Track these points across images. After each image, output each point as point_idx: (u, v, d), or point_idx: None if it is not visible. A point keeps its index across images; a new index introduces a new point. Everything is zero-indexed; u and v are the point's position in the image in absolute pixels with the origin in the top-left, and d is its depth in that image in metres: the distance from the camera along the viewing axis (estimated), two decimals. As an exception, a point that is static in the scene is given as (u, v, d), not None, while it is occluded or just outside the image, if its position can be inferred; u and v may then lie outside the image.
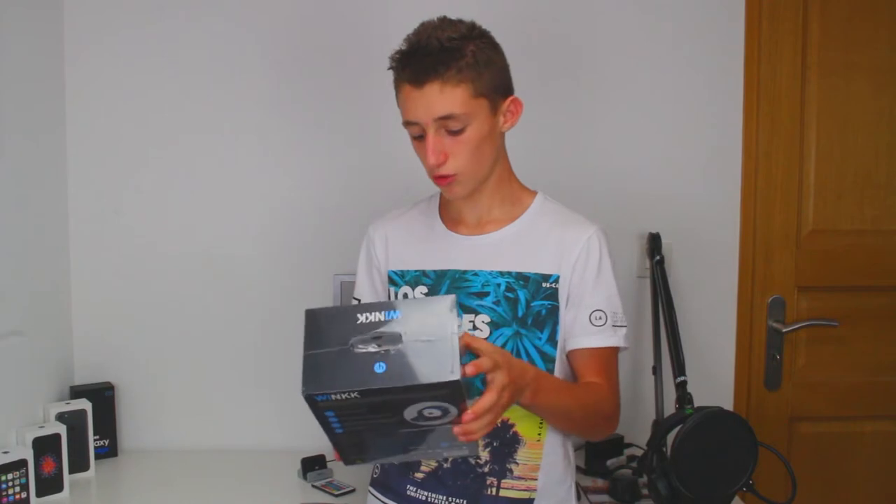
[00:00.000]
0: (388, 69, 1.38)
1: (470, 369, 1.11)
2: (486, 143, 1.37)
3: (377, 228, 1.56)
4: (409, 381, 1.04)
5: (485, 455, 1.41)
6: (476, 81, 1.32)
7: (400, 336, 1.07)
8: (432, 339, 1.07)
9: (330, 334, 1.09)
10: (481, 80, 1.33)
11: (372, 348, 1.07)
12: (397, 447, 1.18)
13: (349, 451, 1.19)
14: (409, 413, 1.09)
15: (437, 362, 1.05)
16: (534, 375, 1.26)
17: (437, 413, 1.09)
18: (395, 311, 1.10)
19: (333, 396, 1.05)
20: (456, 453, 1.22)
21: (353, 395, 1.05)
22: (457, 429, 1.11)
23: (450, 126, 1.33)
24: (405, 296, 1.45)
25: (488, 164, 1.40)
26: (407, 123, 1.36)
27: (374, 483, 1.56)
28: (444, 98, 1.30)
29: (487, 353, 1.15)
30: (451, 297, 1.11)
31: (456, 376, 1.04)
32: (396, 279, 1.49)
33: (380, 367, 1.05)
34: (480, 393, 1.15)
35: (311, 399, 1.06)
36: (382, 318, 1.09)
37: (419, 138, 1.36)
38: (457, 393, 1.06)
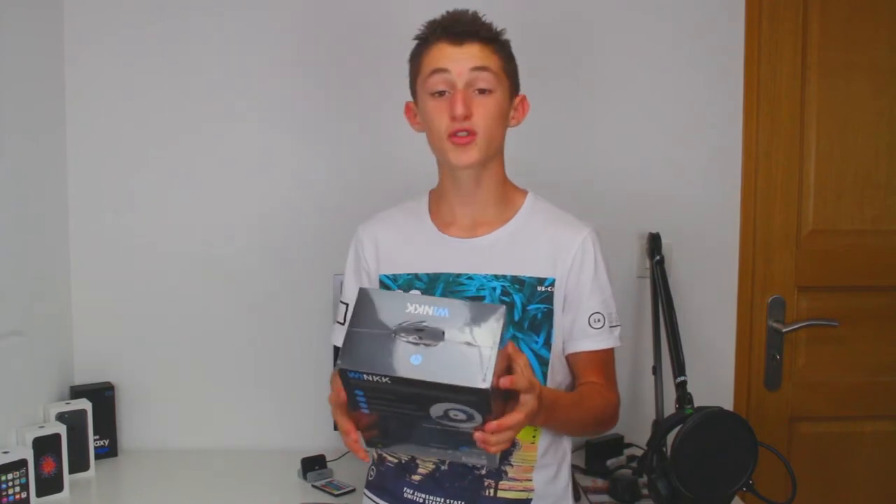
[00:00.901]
0: (414, 39, 1.42)
1: (505, 382, 1.12)
2: (502, 121, 1.41)
3: (366, 230, 1.54)
4: (440, 379, 1.06)
5: None
6: (505, 60, 1.40)
7: (442, 333, 1.09)
8: (473, 344, 1.09)
9: (377, 316, 1.11)
10: (508, 64, 1.41)
11: (413, 339, 1.09)
12: (418, 440, 1.19)
13: (371, 431, 1.21)
14: (436, 411, 1.11)
15: (471, 368, 1.07)
16: (550, 401, 1.27)
17: (462, 416, 1.11)
18: (444, 308, 1.12)
19: (365, 377, 1.08)
20: (474, 461, 1.23)
21: (384, 380, 1.07)
22: (478, 435, 1.12)
23: (480, 83, 1.36)
24: None
25: (499, 142, 1.42)
26: (433, 73, 1.37)
27: (370, 486, 1.54)
28: (483, 54, 1.37)
29: (526, 373, 1.16)
30: (503, 308, 1.12)
31: (486, 385, 1.05)
32: (388, 283, 1.47)
33: (416, 359, 1.08)
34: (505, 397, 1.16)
35: (344, 374, 1.09)
36: (430, 313, 1.11)
37: (439, 95, 1.37)
38: (484, 402, 1.08)
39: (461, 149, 1.37)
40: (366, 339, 1.10)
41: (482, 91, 1.36)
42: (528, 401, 1.16)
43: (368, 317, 1.12)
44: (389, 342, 1.09)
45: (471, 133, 1.36)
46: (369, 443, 1.23)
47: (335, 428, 2.00)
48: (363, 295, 1.14)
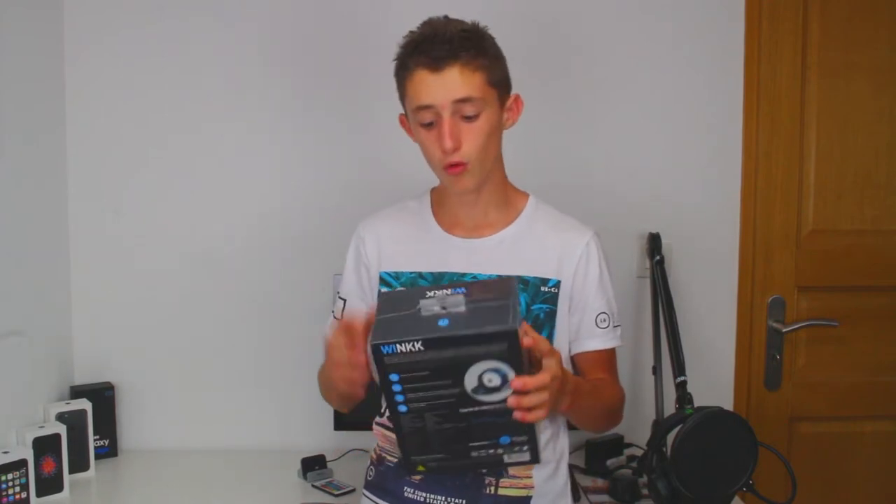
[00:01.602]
0: (393, 60, 1.38)
1: (528, 342, 1.15)
2: (495, 135, 1.39)
3: (368, 227, 1.53)
4: (471, 330, 1.09)
5: None
6: (490, 70, 1.35)
7: (463, 301, 1.15)
8: (493, 303, 1.14)
9: (400, 304, 1.17)
10: (494, 70, 1.36)
11: (437, 310, 1.14)
12: (460, 441, 1.20)
13: (413, 443, 1.21)
14: (470, 380, 1.12)
15: (497, 317, 1.11)
16: (574, 384, 1.28)
17: (497, 381, 1.13)
18: (461, 287, 1.18)
19: (398, 347, 1.10)
20: (517, 458, 1.23)
21: (417, 347, 1.10)
22: (512, 400, 1.13)
23: (465, 111, 1.33)
24: None
25: (494, 158, 1.41)
26: (418, 109, 1.35)
27: (369, 486, 1.54)
28: (463, 80, 1.32)
29: (545, 340, 1.20)
30: (513, 278, 1.22)
31: (515, 326, 1.09)
32: (391, 280, 1.47)
33: (444, 322, 1.11)
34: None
35: (377, 351, 1.11)
36: (449, 293, 1.17)
37: (429, 126, 1.36)
38: (515, 349, 1.10)
39: (456, 178, 1.38)
40: (393, 320, 1.14)
41: (469, 117, 1.34)
42: (550, 364, 1.17)
43: (392, 306, 1.17)
44: (416, 317, 1.14)
45: (462, 163, 1.36)
46: (410, 463, 1.25)
47: (335, 428, 2.03)
48: (383, 295, 1.21)
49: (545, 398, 1.14)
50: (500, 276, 1.34)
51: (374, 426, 1.52)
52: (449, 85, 1.32)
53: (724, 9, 2.16)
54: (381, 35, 2.00)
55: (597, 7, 2.14)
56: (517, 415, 1.13)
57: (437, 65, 1.32)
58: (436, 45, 1.32)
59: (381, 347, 1.11)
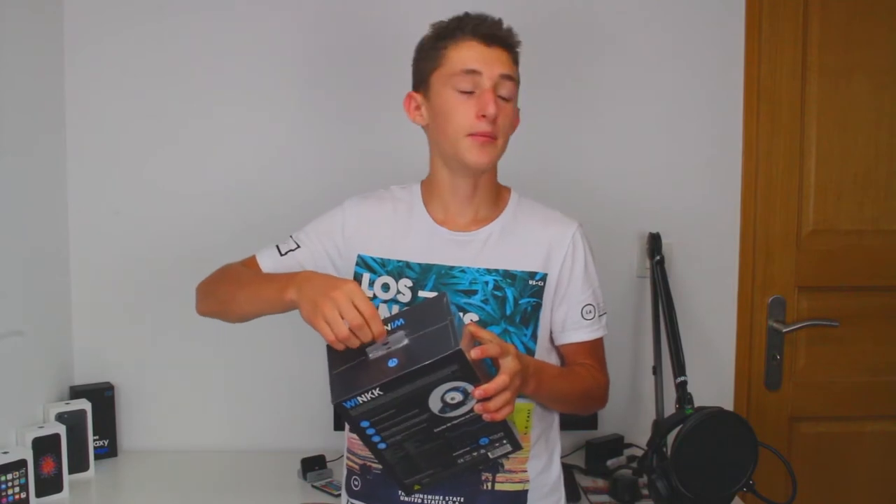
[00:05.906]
0: (434, 30, 1.41)
1: (476, 353, 1.19)
2: (511, 128, 1.44)
3: (355, 208, 1.51)
4: (419, 363, 1.14)
5: None
6: (518, 74, 1.42)
7: (404, 336, 1.20)
8: (432, 328, 1.19)
9: (348, 354, 1.21)
10: (518, 76, 1.42)
11: (383, 353, 1.18)
12: (444, 455, 1.26)
13: (402, 470, 1.27)
14: (434, 403, 1.18)
15: (439, 343, 1.15)
16: (535, 367, 1.34)
17: (459, 397, 1.18)
18: (398, 320, 1.23)
19: (360, 398, 1.15)
20: (500, 451, 1.29)
21: (376, 393, 1.15)
22: (478, 408, 1.19)
23: (505, 89, 1.38)
24: (384, 286, 1.44)
25: (504, 149, 1.44)
26: (463, 73, 1.36)
27: (357, 495, 1.48)
28: (508, 61, 1.39)
29: (495, 340, 1.23)
30: (444, 294, 1.26)
31: (458, 347, 1.13)
32: (376, 267, 1.46)
33: (392, 362, 1.16)
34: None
35: (341, 408, 1.17)
36: (389, 328, 1.22)
37: (466, 94, 1.37)
38: (465, 367, 1.15)
39: (481, 147, 1.38)
40: (345, 373, 1.20)
41: (504, 98, 1.39)
42: (506, 363, 1.22)
43: (341, 358, 1.21)
44: (366, 364, 1.19)
45: (494, 136, 1.38)
46: (406, 489, 1.31)
47: (335, 428, 2.02)
48: (330, 350, 1.24)
49: (508, 396, 1.21)
50: (433, 296, 1.35)
51: (348, 434, 1.49)
52: (499, 59, 1.38)
53: (724, 9, 2.16)
54: (384, 36, 2.01)
55: (597, 7, 2.14)
56: (486, 417, 1.20)
57: (488, 41, 1.37)
58: (489, 25, 1.39)
59: (344, 404, 1.16)
